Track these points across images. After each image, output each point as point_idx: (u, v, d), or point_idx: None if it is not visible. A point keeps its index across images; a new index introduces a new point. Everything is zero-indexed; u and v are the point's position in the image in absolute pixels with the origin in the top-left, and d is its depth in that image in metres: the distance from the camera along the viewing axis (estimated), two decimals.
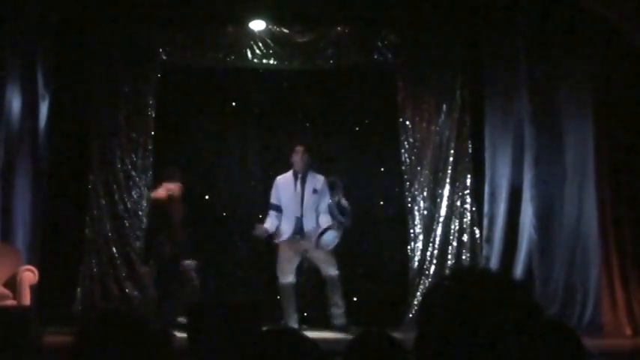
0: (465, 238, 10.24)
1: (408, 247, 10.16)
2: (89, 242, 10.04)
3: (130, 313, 1.83)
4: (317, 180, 8.84)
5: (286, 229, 8.76)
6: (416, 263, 10.12)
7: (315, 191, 8.74)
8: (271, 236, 8.93)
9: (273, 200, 8.93)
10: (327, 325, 9.05)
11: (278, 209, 8.86)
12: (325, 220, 8.76)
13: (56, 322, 8.60)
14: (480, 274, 1.64)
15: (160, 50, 10.38)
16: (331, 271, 8.69)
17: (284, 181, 8.89)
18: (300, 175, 8.82)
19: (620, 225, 8.73)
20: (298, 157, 8.82)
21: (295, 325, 8.44)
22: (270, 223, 8.85)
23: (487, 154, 10.18)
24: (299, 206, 8.71)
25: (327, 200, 8.81)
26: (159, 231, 8.96)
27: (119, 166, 10.21)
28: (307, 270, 9.94)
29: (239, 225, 10.09)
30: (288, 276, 8.63)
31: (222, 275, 10.41)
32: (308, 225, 8.70)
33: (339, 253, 10.23)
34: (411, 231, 10.20)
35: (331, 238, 8.73)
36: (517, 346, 1.51)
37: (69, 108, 10.10)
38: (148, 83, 10.38)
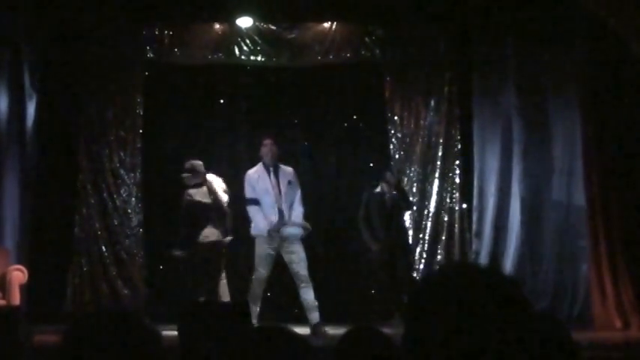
0: (455, 232, 10.26)
1: None
2: (78, 241, 10.03)
3: (120, 312, 1.82)
4: (288, 172, 8.74)
5: (264, 224, 8.61)
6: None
7: (290, 183, 8.66)
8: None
9: (250, 195, 8.78)
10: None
11: (258, 202, 8.71)
12: (297, 214, 8.67)
13: (46, 322, 8.56)
14: (470, 269, 1.64)
15: (148, 48, 10.36)
16: (302, 271, 8.57)
17: (257, 175, 8.72)
18: (271, 169, 8.69)
19: (609, 217, 8.75)
20: (267, 149, 8.66)
21: (255, 320, 8.27)
22: (262, 217, 8.66)
23: (476, 149, 10.20)
24: (278, 199, 8.60)
25: (299, 191, 8.75)
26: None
27: (108, 164, 10.19)
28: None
29: (231, 223, 10.06)
30: (263, 269, 8.54)
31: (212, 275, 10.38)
32: (288, 216, 8.62)
33: (327, 249, 10.26)
34: None
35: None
36: (507, 341, 1.51)
37: (56, 107, 10.07)
38: (136, 81, 10.38)
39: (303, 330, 7.87)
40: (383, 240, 9.09)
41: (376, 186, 9.35)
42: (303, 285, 8.56)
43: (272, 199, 8.58)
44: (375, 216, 9.15)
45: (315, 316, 8.54)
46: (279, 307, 9.67)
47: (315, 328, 8.42)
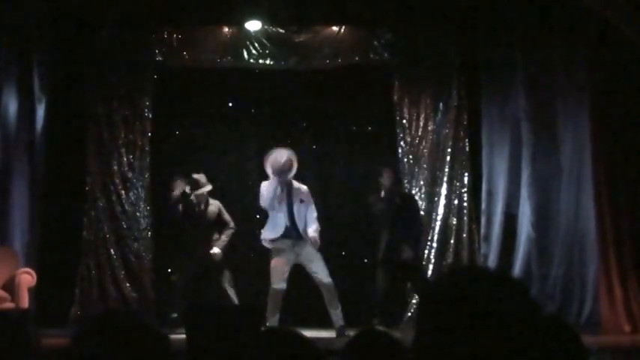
0: (463, 236, 10.24)
1: None
2: (87, 244, 10.03)
3: (128, 315, 1.82)
4: (301, 191, 8.83)
5: (272, 234, 8.77)
6: None
7: (302, 201, 8.77)
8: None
9: (263, 204, 8.89)
10: (325, 325, 9.06)
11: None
12: (314, 228, 8.76)
13: (54, 325, 8.59)
14: (479, 272, 1.64)
15: (157, 51, 10.38)
16: (325, 278, 8.70)
17: (268, 188, 8.79)
18: (285, 187, 8.76)
19: (618, 221, 8.73)
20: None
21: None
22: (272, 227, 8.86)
23: (484, 152, 10.19)
24: (286, 214, 8.70)
25: (313, 210, 8.83)
26: None
27: (116, 167, 10.20)
28: (302, 271, 9.99)
29: (237, 226, 10.07)
30: (280, 282, 8.63)
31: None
32: (302, 232, 8.72)
33: (336, 252, 10.26)
34: None
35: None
36: (516, 343, 1.50)
37: (65, 110, 10.09)
38: (145, 84, 10.38)
39: (310, 333, 7.87)
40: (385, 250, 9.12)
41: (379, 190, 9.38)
42: (326, 293, 8.66)
43: (279, 214, 8.67)
44: (380, 219, 9.20)
45: (337, 320, 8.65)
46: (293, 311, 9.64)
47: (338, 331, 8.59)
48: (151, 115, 10.35)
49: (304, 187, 8.91)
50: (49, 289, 9.36)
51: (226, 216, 9.57)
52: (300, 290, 9.43)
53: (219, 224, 9.52)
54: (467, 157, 10.37)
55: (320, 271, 8.68)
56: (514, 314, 1.52)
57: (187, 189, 9.41)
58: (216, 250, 9.32)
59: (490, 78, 10.23)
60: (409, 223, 9.30)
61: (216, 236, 9.43)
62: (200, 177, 9.44)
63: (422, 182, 10.34)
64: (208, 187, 9.43)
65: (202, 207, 9.45)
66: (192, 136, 10.77)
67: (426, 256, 10.17)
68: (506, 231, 9.82)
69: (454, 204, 10.30)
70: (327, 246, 10.01)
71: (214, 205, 9.54)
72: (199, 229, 9.39)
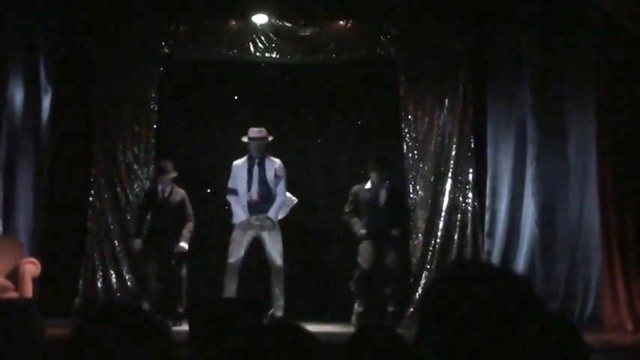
0: (467, 232, 10.23)
1: (410, 242, 10.14)
2: (91, 235, 10.04)
3: (130, 306, 1.83)
4: (275, 164, 9.01)
5: (242, 212, 8.98)
6: (418, 257, 10.12)
7: (276, 176, 8.96)
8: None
9: (230, 185, 9.16)
10: (328, 319, 9.07)
11: (236, 193, 9.08)
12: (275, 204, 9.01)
13: (58, 315, 8.62)
14: (482, 269, 1.64)
15: (163, 44, 10.37)
16: (278, 260, 8.84)
17: (240, 166, 9.09)
18: (257, 160, 8.95)
19: (622, 219, 8.72)
20: (255, 143, 9.09)
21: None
22: (240, 207, 9.03)
23: (489, 149, 10.18)
24: (256, 190, 8.87)
25: (282, 183, 9.00)
26: None
27: (121, 159, 10.21)
28: (304, 264, 10.01)
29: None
30: (236, 257, 8.81)
31: (222, 271, 10.41)
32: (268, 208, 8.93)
33: (340, 246, 10.26)
34: (413, 225, 10.18)
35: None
36: (518, 340, 1.50)
37: (71, 101, 10.10)
38: (151, 77, 10.37)
39: (312, 327, 7.89)
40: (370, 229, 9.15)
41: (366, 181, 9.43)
42: (274, 274, 8.88)
43: (249, 191, 8.87)
44: (363, 214, 9.23)
45: (279, 308, 8.83)
46: (295, 305, 9.65)
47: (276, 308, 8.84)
48: (156, 108, 10.35)
49: (277, 161, 9.21)
50: (52, 279, 9.38)
51: (189, 209, 9.36)
52: (303, 285, 9.44)
53: (181, 215, 9.34)
54: (472, 153, 10.35)
55: (273, 254, 8.95)
56: (517, 311, 1.52)
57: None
58: (183, 244, 9.17)
59: (496, 74, 10.22)
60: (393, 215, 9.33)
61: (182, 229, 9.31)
62: (166, 163, 9.40)
63: (426, 178, 10.33)
64: (173, 174, 9.35)
65: (166, 194, 9.36)
66: (197, 129, 10.77)
67: (429, 252, 10.16)
68: (510, 228, 9.81)
69: (458, 200, 10.30)
70: (330, 239, 10.05)
71: (179, 194, 9.40)
72: (160, 216, 9.34)
